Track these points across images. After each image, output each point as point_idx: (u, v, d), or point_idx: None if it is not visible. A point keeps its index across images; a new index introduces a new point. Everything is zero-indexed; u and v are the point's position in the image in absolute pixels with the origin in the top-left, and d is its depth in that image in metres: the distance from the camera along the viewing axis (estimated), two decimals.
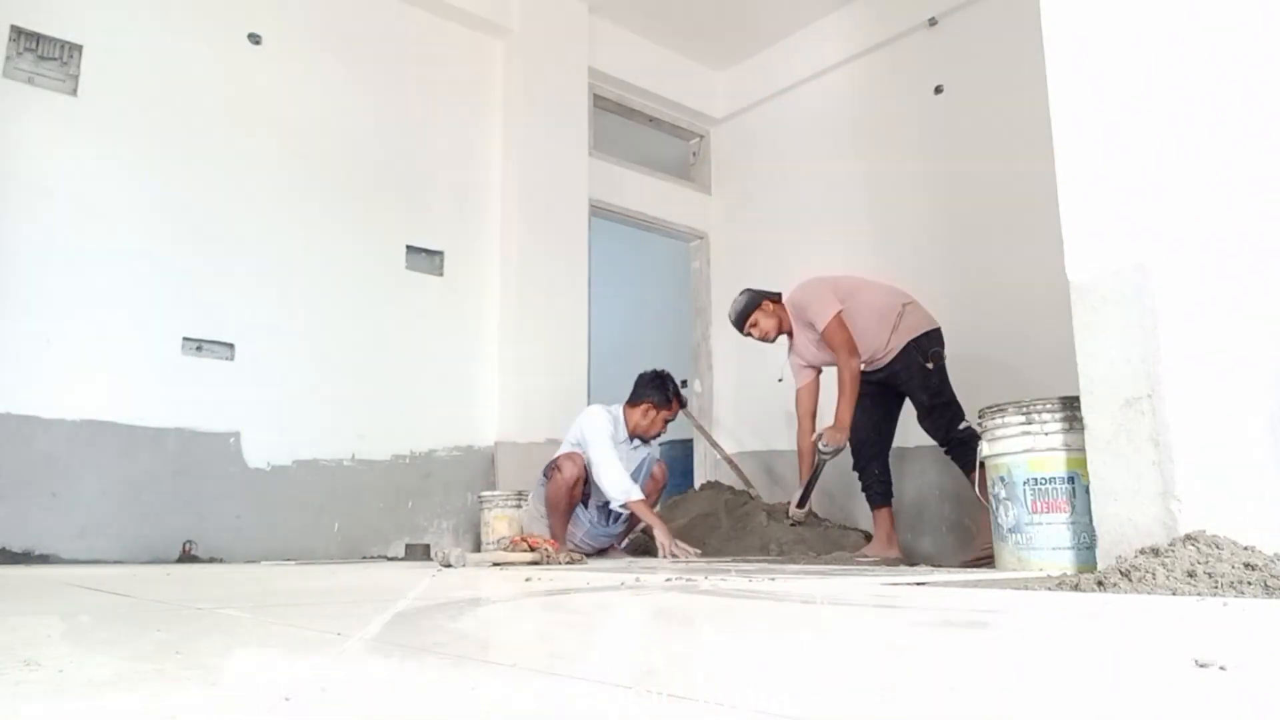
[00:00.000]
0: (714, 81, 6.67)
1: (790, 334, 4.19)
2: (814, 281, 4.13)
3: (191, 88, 4.34)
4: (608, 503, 4.19)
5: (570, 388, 5.36)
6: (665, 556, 3.80)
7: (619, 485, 3.96)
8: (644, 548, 4.69)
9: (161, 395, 4.05)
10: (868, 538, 4.74)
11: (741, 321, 4.20)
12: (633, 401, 4.27)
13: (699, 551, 3.96)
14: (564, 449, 4.28)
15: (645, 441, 4.30)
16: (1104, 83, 2.22)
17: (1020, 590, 1.80)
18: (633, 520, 4.31)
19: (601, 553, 4.24)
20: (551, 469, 4.09)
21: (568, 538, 4.10)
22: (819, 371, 4.17)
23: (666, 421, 4.28)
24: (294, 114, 4.66)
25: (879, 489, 4.08)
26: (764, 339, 4.22)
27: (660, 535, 3.90)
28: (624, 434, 4.22)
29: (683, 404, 4.41)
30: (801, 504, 4.18)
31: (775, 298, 4.19)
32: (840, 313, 3.94)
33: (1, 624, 1.37)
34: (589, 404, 5.29)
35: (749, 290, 4.24)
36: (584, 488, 4.11)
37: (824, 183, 5.86)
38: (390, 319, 4.86)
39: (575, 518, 4.16)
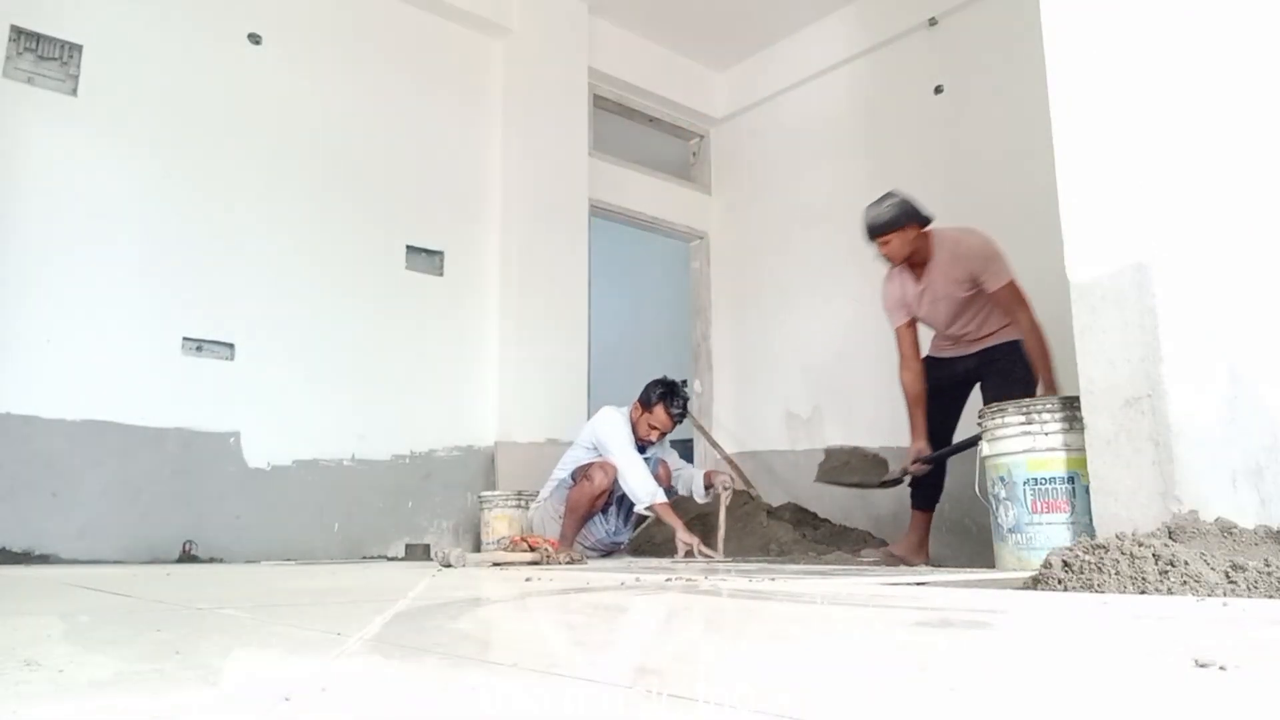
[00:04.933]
0: (714, 81, 6.67)
1: (915, 267, 3.72)
2: (988, 239, 3.68)
3: (191, 88, 4.34)
4: (624, 512, 4.20)
5: (570, 388, 5.37)
6: (693, 555, 3.81)
7: (644, 488, 3.97)
8: (644, 548, 4.70)
9: (161, 395, 4.05)
10: (868, 538, 4.74)
11: (882, 231, 3.65)
12: (631, 405, 4.28)
13: (720, 555, 3.94)
14: (575, 451, 4.28)
15: (649, 443, 4.29)
16: (1104, 83, 2.22)
17: (1020, 590, 1.80)
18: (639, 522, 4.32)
19: (607, 555, 4.25)
20: (581, 475, 4.08)
21: (579, 540, 4.11)
22: (914, 321, 3.81)
23: (652, 428, 4.17)
24: (294, 114, 4.66)
25: (934, 491, 3.86)
26: (886, 258, 3.73)
27: (684, 536, 3.89)
28: (634, 437, 4.22)
29: (673, 411, 4.19)
30: (927, 462, 3.74)
31: (925, 222, 3.68)
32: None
33: (1, 624, 1.37)
34: (588, 404, 5.31)
35: (903, 200, 3.66)
36: (607, 498, 4.11)
37: (824, 183, 5.86)
38: (390, 319, 4.86)
39: (590, 524, 4.17)
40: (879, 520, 5.09)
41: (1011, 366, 3.55)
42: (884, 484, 3.92)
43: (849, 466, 4.09)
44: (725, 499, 4.18)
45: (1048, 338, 3.42)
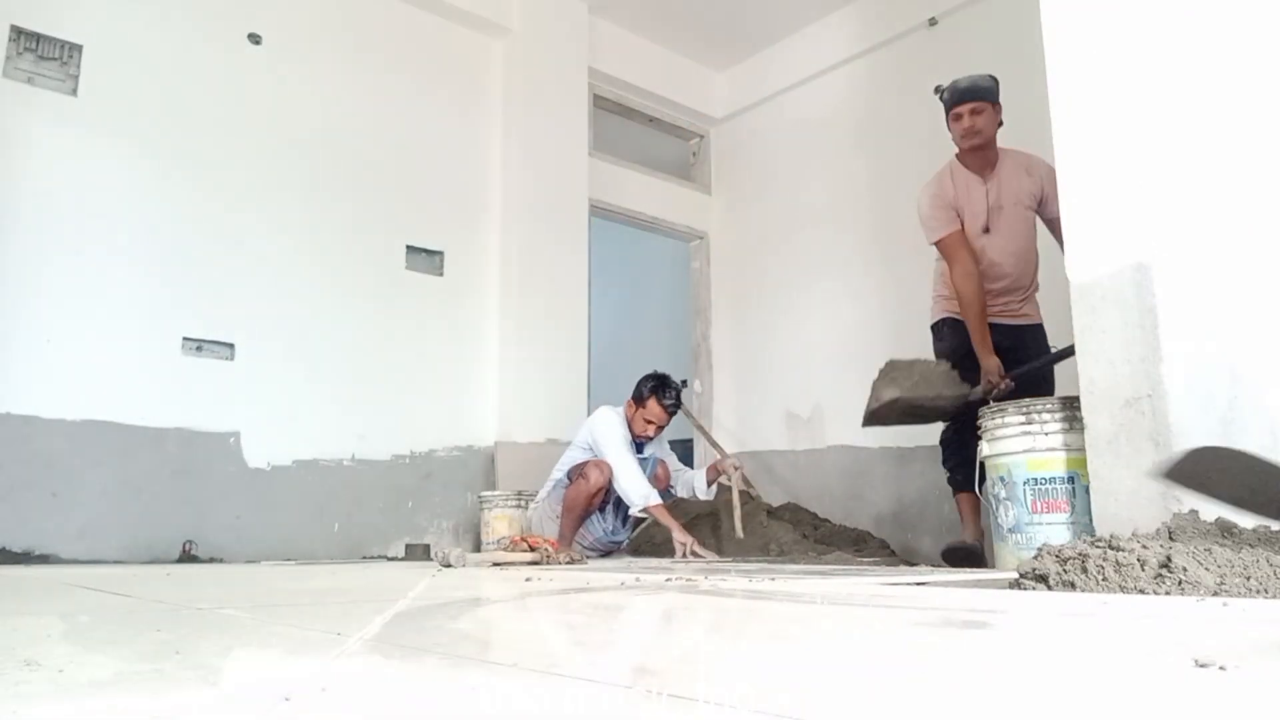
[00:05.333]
0: (714, 81, 6.67)
1: (977, 170, 3.47)
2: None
3: (191, 88, 4.34)
4: (622, 512, 4.20)
5: (570, 388, 5.37)
6: (685, 556, 3.80)
7: (638, 489, 3.96)
8: (643, 548, 4.70)
9: (161, 395, 4.05)
10: (868, 537, 4.73)
11: (983, 96, 3.40)
12: (626, 403, 4.30)
13: (716, 556, 3.94)
14: (572, 451, 4.28)
15: (646, 442, 4.29)
16: (1104, 83, 2.22)
17: (1020, 590, 1.80)
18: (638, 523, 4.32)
19: (606, 555, 4.25)
20: (577, 474, 4.09)
21: (577, 540, 4.11)
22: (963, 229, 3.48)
23: (648, 422, 4.18)
24: (294, 114, 4.66)
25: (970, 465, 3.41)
26: (965, 135, 3.44)
27: (680, 536, 3.89)
28: (631, 437, 4.23)
29: (665, 405, 4.19)
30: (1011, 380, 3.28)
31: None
32: None
33: (1, 624, 1.37)
34: (588, 404, 5.32)
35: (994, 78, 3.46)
36: (604, 497, 4.12)
37: (824, 183, 5.87)
38: (390, 319, 4.86)
39: (588, 523, 4.18)
40: (879, 520, 5.10)
41: (1039, 357, 3.38)
42: (969, 405, 3.34)
43: (941, 375, 3.33)
44: (736, 480, 4.17)
45: None
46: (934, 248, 3.64)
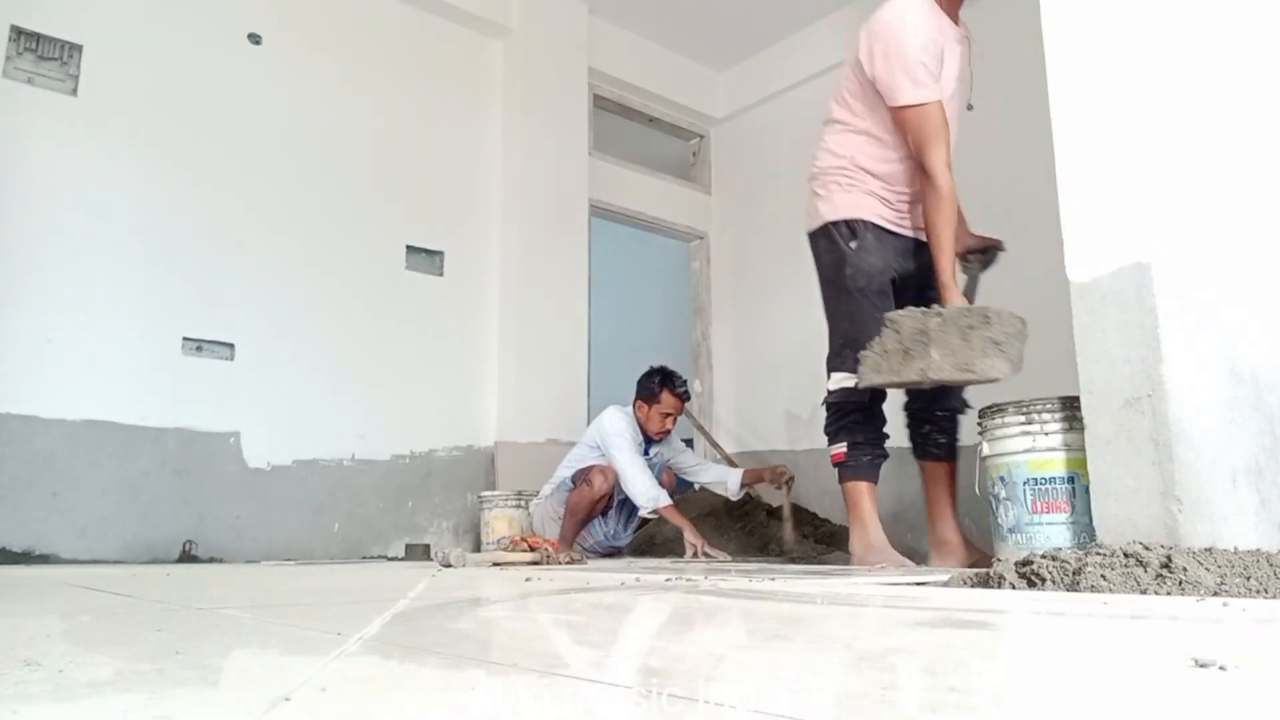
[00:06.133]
0: (714, 81, 6.67)
1: (955, 11, 2.80)
2: None
3: (191, 88, 4.34)
4: (624, 516, 4.21)
5: (570, 388, 5.37)
6: (698, 556, 3.81)
7: (646, 492, 3.98)
8: (645, 549, 4.70)
9: (161, 395, 4.05)
10: None
11: None
12: (633, 404, 4.30)
13: (729, 556, 3.94)
14: (580, 450, 4.29)
15: (656, 442, 4.31)
16: (1104, 83, 2.21)
17: (1020, 590, 1.80)
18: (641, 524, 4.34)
19: (606, 556, 4.26)
20: (582, 478, 4.09)
21: (578, 542, 4.12)
22: None
23: (665, 415, 4.22)
24: (294, 114, 4.66)
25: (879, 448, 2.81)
26: None
27: (691, 536, 3.91)
28: (641, 438, 4.24)
29: (679, 393, 4.24)
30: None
31: None
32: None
33: (1, 624, 1.37)
34: (588, 404, 5.32)
35: None
36: (606, 502, 4.13)
37: None
38: (390, 319, 4.86)
39: (589, 526, 4.19)
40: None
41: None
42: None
43: (1020, 338, 2.51)
44: (787, 491, 4.25)
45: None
46: (863, 123, 2.93)
